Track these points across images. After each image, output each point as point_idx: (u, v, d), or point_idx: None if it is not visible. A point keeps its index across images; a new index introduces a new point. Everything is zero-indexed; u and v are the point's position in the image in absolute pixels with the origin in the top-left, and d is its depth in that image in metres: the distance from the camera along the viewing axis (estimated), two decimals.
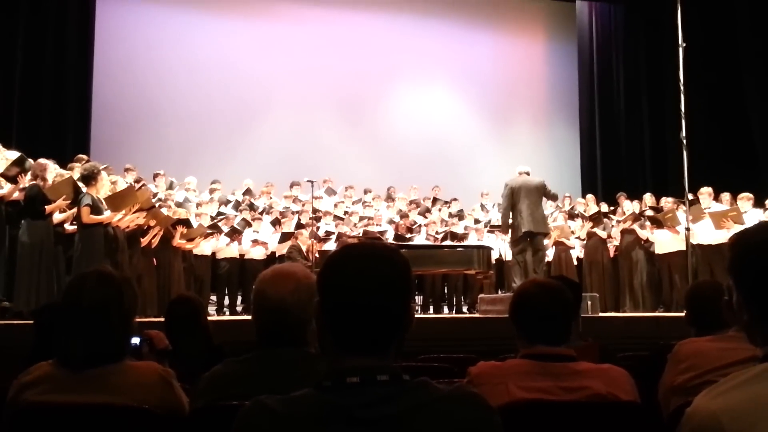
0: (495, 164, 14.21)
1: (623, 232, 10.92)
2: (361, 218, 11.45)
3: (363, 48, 14.66)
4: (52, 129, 12.04)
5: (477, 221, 11.84)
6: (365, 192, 12.53)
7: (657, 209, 10.85)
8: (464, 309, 11.39)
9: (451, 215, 12.08)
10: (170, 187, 10.86)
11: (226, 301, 10.52)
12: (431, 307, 11.32)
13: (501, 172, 11.75)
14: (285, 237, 10.42)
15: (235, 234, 10.22)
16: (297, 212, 11.20)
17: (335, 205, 11.70)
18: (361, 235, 10.61)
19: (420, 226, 11.37)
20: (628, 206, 11.21)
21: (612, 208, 11.74)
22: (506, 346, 3.16)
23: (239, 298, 10.65)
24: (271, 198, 11.80)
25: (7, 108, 11.69)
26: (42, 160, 7.76)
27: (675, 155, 11.09)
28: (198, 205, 10.54)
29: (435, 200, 12.54)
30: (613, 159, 15.50)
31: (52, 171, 7.77)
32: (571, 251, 11.12)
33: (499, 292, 10.65)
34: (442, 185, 13.00)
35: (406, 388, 1.29)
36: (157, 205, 9.11)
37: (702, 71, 13.04)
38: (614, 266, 11.06)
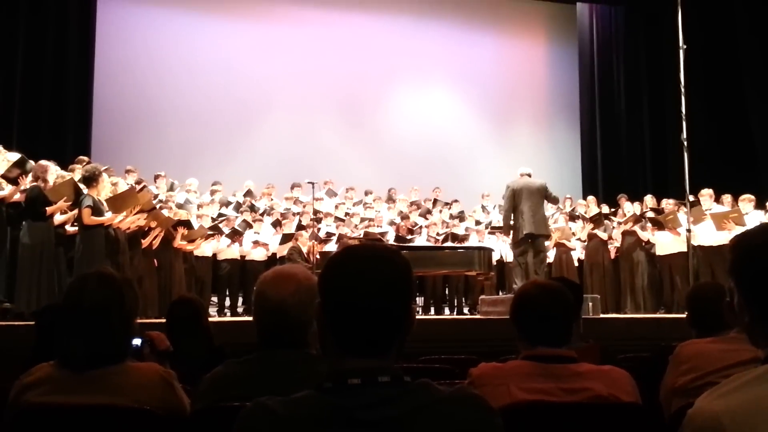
0: (496, 166, 14.21)
1: (624, 233, 10.92)
2: (362, 220, 11.45)
3: (363, 50, 14.67)
4: (53, 130, 12.04)
5: (478, 223, 11.84)
6: (366, 193, 12.53)
7: (658, 211, 10.85)
8: (465, 310, 11.38)
9: (451, 217, 12.07)
10: (171, 188, 10.86)
11: (227, 303, 10.52)
12: (432, 309, 11.31)
13: (502, 173, 11.76)
14: (286, 238, 10.41)
15: (236, 235, 10.22)
16: (298, 214, 11.21)
17: (336, 207, 11.71)
18: (361, 236, 10.60)
19: (421, 227, 11.36)
20: (629, 208, 11.21)
21: (613, 209, 11.74)
22: (507, 348, 3.16)
23: (240, 300, 10.64)
24: (272, 199, 11.80)
25: (8, 109, 11.70)
26: (43, 162, 7.76)
27: (675, 157, 11.10)
28: (199, 206, 10.54)
29: (436, 202, 12.53)
30: (613, 160, 15.50)
31: (53, 172, 7.77)
32: (572, 253, 11.11)
33: (500, 293, 10.64)
34: (442, 187, 13.00)
35: (407, 389, 1.29)
36: (157, 206, 9.11)
37: (702, 73, 13.06)
38: (615, 267, 11.06)
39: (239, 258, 10.48)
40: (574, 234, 11.28)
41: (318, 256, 9.93)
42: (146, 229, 8.63)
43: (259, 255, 10.52)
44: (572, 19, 16.23)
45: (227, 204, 11.26)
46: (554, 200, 9.56)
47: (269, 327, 2.01)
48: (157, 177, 10.74)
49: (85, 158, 9.38)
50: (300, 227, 10.70)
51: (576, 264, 11.14)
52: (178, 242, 9.16)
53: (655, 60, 14.93)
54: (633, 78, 15.75)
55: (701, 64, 12.79)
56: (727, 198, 10.37)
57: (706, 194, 10.24)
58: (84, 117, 12.59)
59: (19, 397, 2.11)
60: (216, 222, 10.22)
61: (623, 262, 10.93)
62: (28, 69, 12.00)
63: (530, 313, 2.33)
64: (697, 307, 3.12)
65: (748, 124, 13.52)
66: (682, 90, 8.93)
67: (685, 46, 8.94)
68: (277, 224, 10.80)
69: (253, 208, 11.13)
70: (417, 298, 10.99)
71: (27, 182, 7.50)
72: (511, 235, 9.34)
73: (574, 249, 11.16)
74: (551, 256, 10.74)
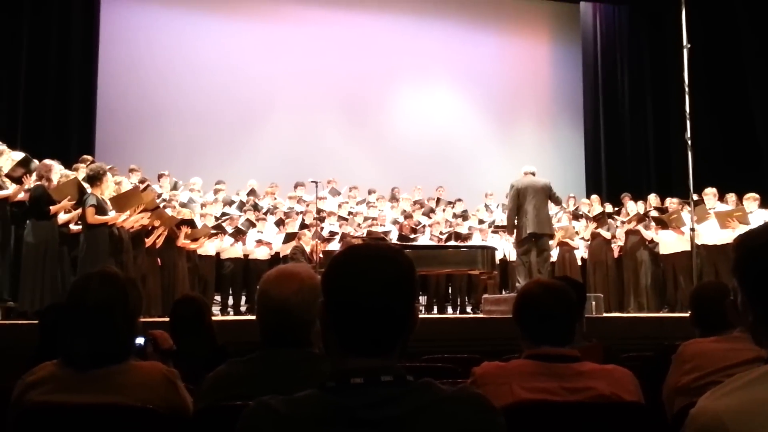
0: (499, 165, 14.20)
1: (628, 232, 10.91)
2: (365, 219, 11.45)
3: (367, 49, 14.66)
4: (57, 130, 12.06)
5: (481, 222, 11.84)
6: (369, 192, 12.53)
7: (662, 210, 10.84)
8: (468, 309, 11.38)
9: (455, 216, 12.07)
10: (174, 187, 10.87)
11: (230, 301, 10.53)
12: (435, 308, 11.32)
13: (505, 172, 11.76)
14: (289, 237, 10.42)
15: (239, 234, 10.23)
16: (301, 213, 11.21)
17: (339, 206, 11.71)
18: (365, 235, 10.61)
19: (424, 226, 11.37)
20: (632, 207, 11.20)
21: (616, 208, 11.73)
22: (510, 347, 3.16)
23: (243, 298, 10.66)
24: (275, 198, 11.81)
25: (12, 109, 11.72)
26: (47, 161, 7.78)
27: (679, 156, 11.07)
28: (202, 205, 10.55)
29: (439, 201, 12.53)
30: (617, 160, 15.48)
31: (57, 172, 7.78)
32: (575, 252, 11.10)
33: (503, 292, 10.64)
34: (446, 186, 13.00)
35: (410, 389, 1.29)
36: (161, 205, 9.13)
37: (706, 72, 13.03)
38: (618, 267, 11.05)
39: (242, 257, 10.49)
40: (577, 233, 11.27)
41: (321, 255, 9.93)
42: (150, 228, 8.64)
43: (262, 254, 10.53)
44: (575, 18, 16.21)
45: (230, 203, 11.27)
46: (557, 201, 9.53)
47: (272, 326, 2.02)
48: (160, 176, 10.75)
49: (89, 157, 9.40)
50: (303, 226, 10.71)
51: (579, 263, 11.13)
52: (182, 241, 9.17)
53: (659, 59, 14.91)
54: (636, 77, 15.73)
55: (705, 64, 12.76)
56: (731, 197, 10.35)
57: (710, 193, 10.22)
58: (88, 116, 12.60)
59: (22, 396, 2.12)
60: (219, 221, 10.23)
61: (627, 261, 10.92)
62: (32, 68, 12.01)
63: (533, 312, 2.33)
64: (700, 306, 3.11)
65: (752, 123, 13.49)
66: (686, 89, 8.91)
67: (688, 45, 8.93)
68: (280, 223, 10.80)
69: (256, 207, 11.14)
70: (420, 297, 11.00)
71: (31, 181, 7.52)
72: (514, 234, 9.33)
73: (578, 248, 11.16)
74: (554, 255, 10.73)
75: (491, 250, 9.78)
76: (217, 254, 10.28)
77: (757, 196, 10.00)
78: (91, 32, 12.83)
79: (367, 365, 1.30)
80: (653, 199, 11.29)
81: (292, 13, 14.39)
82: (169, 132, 13.14)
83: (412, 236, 10.99)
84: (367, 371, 1.29)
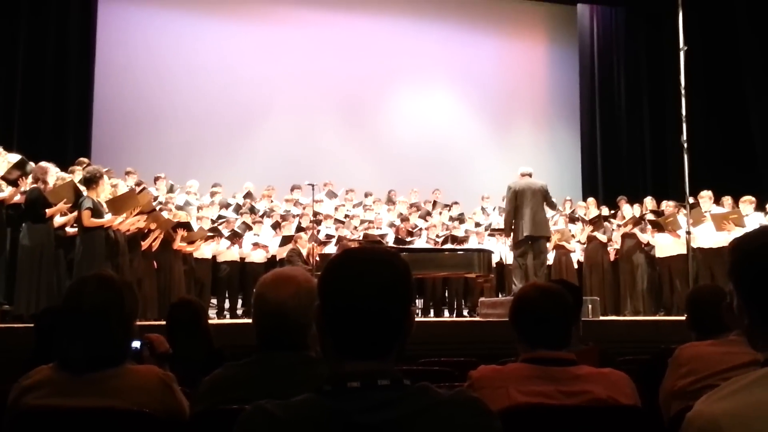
0: (496, 167, 14.21)
1: (624, 235, 10.92)
2: (362, 221, 11.45)
3: (364, 51, 14.67)
4: (53, 132, 12.05)
5: (478, 224, 11.84)
6: (366, 195, 12.53)
7: (658, 213, 10.85)
8: (465, 312, 11.38)
9: (451, 218, 12.08)
10: (171, 190, 10.85)
11: (227, 305, 10.51)
12: (432, 311, 11.31)
13: (502, 175, 11.76)
14: (286, 240, 10.41)
15: (235, 237, 10.22)
16: (298, 216, 11.21)
17: (336, 209, 11.71)
18: (361, 238, 10.60)
19: (421, 229, 11.37)
20: (628, 211, 11.20)
21: (612, 211, 11.74)
22: (507, 350, 3.17)
23: (240, 302, 10.64)
24: (272, 201, 11.81)
25: (9, 111, 11.72)
26: (43, 163, 7.76)
27: (676, 158, 11.11)
28: (199, 208, 10.53)
29: (435, 203, 12.54)
30: (613, 162, 15.50)
31: (53, 174, 7.77)
32: (572, 255, 11.11)
33: (500, 295, 10.63)
34: (442, 188, 13.01)
35: (407, 392, 1.29)
36: (157, 208, 9.12)
37: (703, 74, 13.08)
38: (614, 270, 11.05)
39: (239, 260, 10.47)
40: (573, 236, 11.28)
41: (317, 259, 9.93)
42: (146, 231, 8.63)
43: (258, 257, 10.52)
44: (573, 20, 16.23)
45: (227, 206, 11.26)
46: (552, 205, 9.50)
47: (268, 329, 2.01)
48: (156, 179, 10.73)
49: (86, 160, 9.38)
50: (300, 229, 10.70)
51: (575, 266, 11.14)
52: (178, 244, 9.16)
53: (656, 61, 14.94)
54: (633, 79, 15.76)
55: (702, 66, 12.80)
56: (727, 200, 10.37)
57: (706, 196, 10.25)
58: (84, 118, 12.59)
59: (18, 400, 2.11)
60: (216, 224, 10.22)
61: (623, 265, 10.93)
62: (29, 70, 12.01)
63: (529, 316, 2.33)
64: (696, 309, 3.11)
65: (748, 125, 13.53)
66: (683, 91, 8.92)
67: (685, 48, 8.94)
68: (276, 226, 10.80)
69: (253, 210, 11.13)
70: (417, 301, 11.00)
71: (27, 184, 7.50)
72: (511, 237, 9.33)
73: (574, 251, 11.16)
74: (550, 258, 10.74)
75: (488, 253, 9.79)
76: (214, 257, 10.26)
77: (753, 198, 10.03)
78: (88, 34, 12.83)
79: (363, 369, 1.30)
80: (649, 201, 11.30)
81: (290, 14, 14.40)
82: (165, 134, 13.14)
83: (409, 239, 10.99)
84: (363, 375, 1.29)
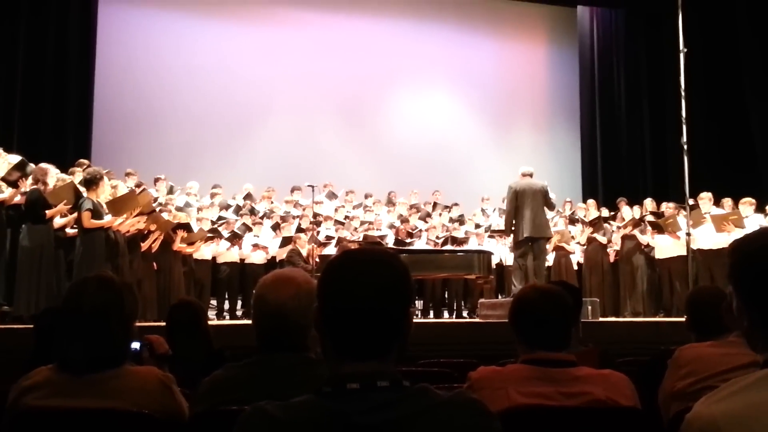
0: (496, 169, 14.21)
1: (624, 237, 10.92)
2: (362, 223, 11.45)
3: (364, 52, 14.68)
4: (54, 133, 12.05)
5: (477, 226, 11.84)
6: (366, 196, 12.54)
7: (658, 214, 10.85)
8: (464, 314, 11.38)
9: (451, 220, 12.08)
10: (171, 191, 10.85)
11: (227, 306, 10.51)
12: (431, 312, 11.31)
13: (502, 176, 11.75)
14: (285, 241, 10.42)
15: (235, 238, 10.22)
16: (298, 217, 11.21)
17: (336, 210, 11.71)
18: (361, 239, 10.60)
19: (420, 230, 11.37)
20: (627, 212, 11.19)
21: (612, 213, 11.74)
22: (506, 351, 3.16)
23: (239, 303, 10.64)
24: (272, 202, 11.81)
25: (9, 112, 11.72)
26: (43, 165, 7.76)
27: (676, 160, 11.11)
28: (199, 209, 10.54)
29: (435, 205, 12.54)
30: (613, 164, 15.51)
31: (53, 175, 7.77)
32: (572, 256, 11.11)
33: (500, 296, 10.63)
34: (442, 190, 13.01)
35: (406, 394, 1.29)
36: (157, 209, 9.12)
37: (703, 76, 13.08)
38: (614, 271, 11.05)
39: (239, 261, 10.48)
40: (573, 237, 11.28)
41: (317, 260, 9.93)
42: (146, 232, 8.63)
43: (258, 258, 10.52)
44: (573, 22, 16.24)
45: (227, 207, 11.27)
46: (551, 206, 9.49)
47: (268, 330, 2.01)
48: (156, 180, 10.73)
49: (86, 161, 9.38)
50: (299, 230, 10.70)
51: (575, 267, 11.14)
52: (178, 245, 9.16)
53: (656, 63, 14.95)
54: (633, 81, 15.77)
55: (701, 68, 12.80)
56: (727, 201, 10.38)
57: (705, 197, 10.25)
58: (84, 120, 12.59)
59: (18, 401, 2.11)
60: (216, 225, 10.22)
61: (623, 266, 10.92)
62: (29, 71, 12.01)
63: (529, 317, 2.33)
64: (696, 310, 3.11)
65: (748, 127, 13.53)
66: (683, 93, 8.93)
67: (685, 50, 8.95)
68: (276, 227, 10.80)
69: (252, 211, 11.13)
70: (416, 302, 11.00)
71: (27, 185, 7.50)
72: (511, 237, 9.33)
73: (573, 252, 11.16)
74: (550, 259, 10.74)
75: (487, 255, 9.79)
76: (214, 258, 10.26)
77: (752, 200, 10.03)
78: (88, 35, 12.83)
79: (363, 370, 1.30)
80: (649, 203, 11.30)
81: (290, 16, 14.40)
82: (165, 136, 13.14)
83: (409, 240, 10.99)
84: (363, 376, 1.29)
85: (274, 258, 10.58)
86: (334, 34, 14.50)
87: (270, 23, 14.34)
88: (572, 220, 11.68)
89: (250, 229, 10.51)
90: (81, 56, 12.67)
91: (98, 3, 13.03)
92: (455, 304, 11.53)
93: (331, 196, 12.34)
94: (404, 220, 11.62)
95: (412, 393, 1.30)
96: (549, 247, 10.04)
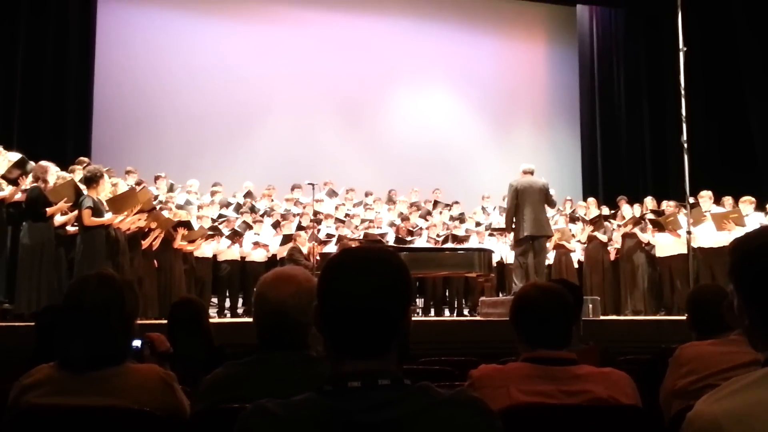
0: (496, 167, 14.22)
1: (624, 235, 10.92)
2: (362, 221, 11.45)
3: (364, 51, 14.68)
4: (53, 131, 12.05)
5: (478, 224, 11.84)
6: (366, 195, 12.53)
7: (658, 212, 10.85)
8: (465, 312, 11.38)
9: (452, 218, 12.08)
10: (171, 189, 10.86)
11: (227, 304, 10.52)
12: (432, 310, 11.31)
13: (502, 175, 11.77)
14: (286, 239, 10.42)
15: (236, 236, 10.22)
16: (298, 215, 11.21)
17: (336, 208, 11.70)
18: (362, 237, 10.60)
19: (421, 228, 11.36)
20: (627, 211, 11.19)
21: (613, 211, 11.74)
22: (507, 349, 3.17)
23: (240, 301, 10.65)
24: (272, 200, 11.81)
25: (9, 110, 11.71)
26: (43, 162, 7.76)
27: (675, 158, 11.11)
28: (199, 207, 10.54)
29: (436, 203, 12.53)
30: (613, 162, 15.51)
31: (54, 173, 7.77)
32: (572, 254, 11.11)
33: (500, 294, 10.63)
34: (443, 188, 13.01)
35: (407, 392, 1.29)
36: (158, 207, 9.11)
37: (702, 75, 13.07)
38: (615, 269, 11.05)
39: (239, 259, 10.48)
40: (573, 236, 11.28)
41: (318, 258, 9.94)
42: (146, 230, 8.63)
43: (259, 256, 10.52)
44: (572, 21, 16.24)
45: (227, 205, 11.27)
46: (552, 204, 9.49)
47: (269, 328, 2.01)
48: (157, 178, 10.73)
49: (86, 159, 9.38)
50: (300, 228, 10.70)
51: (576, 266, 11.14)
52: (178, 243, 9.16)
53: (655, 62, 14.95)
54: (633, 80, 15.77)
55: (701, 67, 12.80)
56: (727, 200, 10.37)
57: (706, 196, 10.25)
58: (84, 118, 12.59)
59: (18, 399, 2.11)
60: (216, 223, 10.22)
61: (623, 264, 10.92)
62: (29, 70, 12.00)
63: (530, 315, 2.33)
64: (697, 309, 3.11)
65: (748, 126, 13.53)
66: (682, 92, 8.92)
67: (685, 49, 8.94)
68: (277, 225, 10.80)
69: (253, 209, 11.13)
70: (417, 300, 11.01)
71: (27, 183, 7.50)
72: (512, 235, 9.33)
73: (574, 251, 11.16)
74: (551, 257, 10.74)
75: (488, 253, 9.79)
76: (214, 256, 10.27)
77: (752, 198, 10.03)
78: (87, 34, 12.82)
79: (364, 368, 1.30)
80: (649, 201, 11.30)
81: (290, 15, 14.40)
82: (165, 134, 13.14)
83: (409, 239, 10.99)
84: (364, 375, 1.29)
85: (274, 256, 10.58)
86: (334, 33, 14.50)
87: (270, 22, 14.33)
88: (573, 219, 11.68)
89: (250, 227, 10.51)
90: (81, 55, 12.66)
91: (98, 2, 13.02)
92: (456, 303, 11.54)
93: (332, 194, 12.33)
94: (405, 218, 11.61)
95: (413, 391, 1.30)
96: (549, 245, 10.04)
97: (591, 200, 12.18)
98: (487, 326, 7.76)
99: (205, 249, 9.95)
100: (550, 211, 9.88)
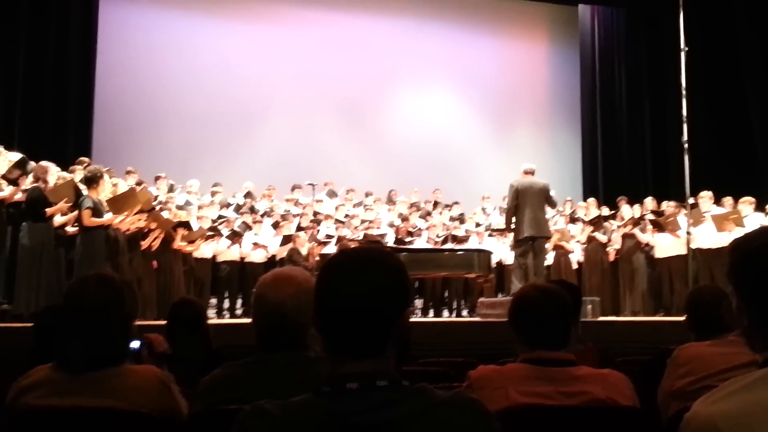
0: (496, 167, 14.21)
1: (624, 236, 10.91)
2: (362, 221, 11.45)
3: (364, 51, 14.67)
4: (54, 131, 12.05)
5: (478, 225, 11.84)
6: (366, 195, 12.53)
7: (658, 213, 10.84)
8: (464, 313, 11.38)
9: (452, 218, 12.08)
10: (171, 189, 10.86)
11: (226, 304, 10.51)
12: (431, 311, 11.31)
13: (502, 175, 11.75)
14: (285, 240, 10.42)
15: (235, 237, 10.22)
16: (298, 215, 11.20)
17: (336, 209, 11.70)
18: (361, 238, 10.60)
19: (421, 229, 11.37)
20: (627, 211, 11.18)
21: (612, 212, 11.73)
22: (506, 350, 3.16)
23: (239, 301, 10.64)
24: (272, 201, 11.81)
25: (10, 110, 11.71)
26: (44, 163, 7.77)
27: (676, 159, 11.09)
28: (199, 207, 10.54)
29: (436, 203, 12.54)
30: (614, 163, 15.50)
31: (54, 173, 7.78)
32: (571, 255, 11.11)
33: (499, 295, 10.63)
34: (443, 188, 13.01)
35: (406, 393, 1.29)
36: (158, 208, 9.11)
37: (703, 75, 13.06)
38: (614, 270, 11.04)
39: (239, 260, 10.48)
40: (573, 236, 11.27)
41: (317, 258, 9.93)
42: (146, 230, 8.63)
43: (258, 257, 10.52)
44: (573, 21, 16.23)
45: (227, 205, 11.27)
46: (553, 204, 9.47)
47: (268, 329, 2.01)
48: (157, 178, 10.73)
49: (86, 159, 9.39)
50: (300, 229, 10.70)
51: (575, 266, 11.14)
52: (178, 244, 9.16)
53: (656, 62, 14.94)
54: (634, 80, 15.76)
55: (702, 67, 12.78)
56: (727, 200, 10.37)
57: (706, 196, 10.24)
58: (85, 118, 12.59)
59: (16, 400, 2.11)
60: (216, 223, 10.22)
61: (622, 265, 10.92)
62: (30, 70, 12.00)
63: (529, 316, 2.33)
64: (696, 310, 3.11)
65: (749, 126, 13.52)
66: (683, 92, 8.90)
67: (686, 49, 8.93)
68: (276, 226, 10.80)
69: (253, 210, 11.13)
70: (416, 300, 11.01)
71: (27, 183, 7.51)
72: (512, 236, 9.32)
73: (573, 251, 11.16)
74: (550, 258, 10.73)
75: (487, 254, 9.79)
76: (214, 257, 10.27)
77: (752, 199, 10.03)
78: (88, 34, 12.83)
79: (362, 370, 1.30)
80: (650, 202, 11.29)
81: (290, 15, 14.40)
82: (166, 134, 13.14)
83: (409, 239, 10.99)
84: (362, 376, 1.29)
85: (274, 256, 10.58)
86: (334, 32, 14.50)
87: (271, 22, 14.33)
88: (572, 219, 11.68)
89: (250, 228, 10.51)
90: (82, 55, 12.67)
91: (99, 2, 13.03)
92: (455, 303, 11.54)
93: (332, 194, 12.33)
94: (404, 219, 11.62)
95: (412, 393, 1.30)
96: (548, 246, 10.03)
97: (591, 200, 12.17)
98: (486, 327, 7.76)
99: (204, 249, 9.95)
100: (550, 212, 9.86)
